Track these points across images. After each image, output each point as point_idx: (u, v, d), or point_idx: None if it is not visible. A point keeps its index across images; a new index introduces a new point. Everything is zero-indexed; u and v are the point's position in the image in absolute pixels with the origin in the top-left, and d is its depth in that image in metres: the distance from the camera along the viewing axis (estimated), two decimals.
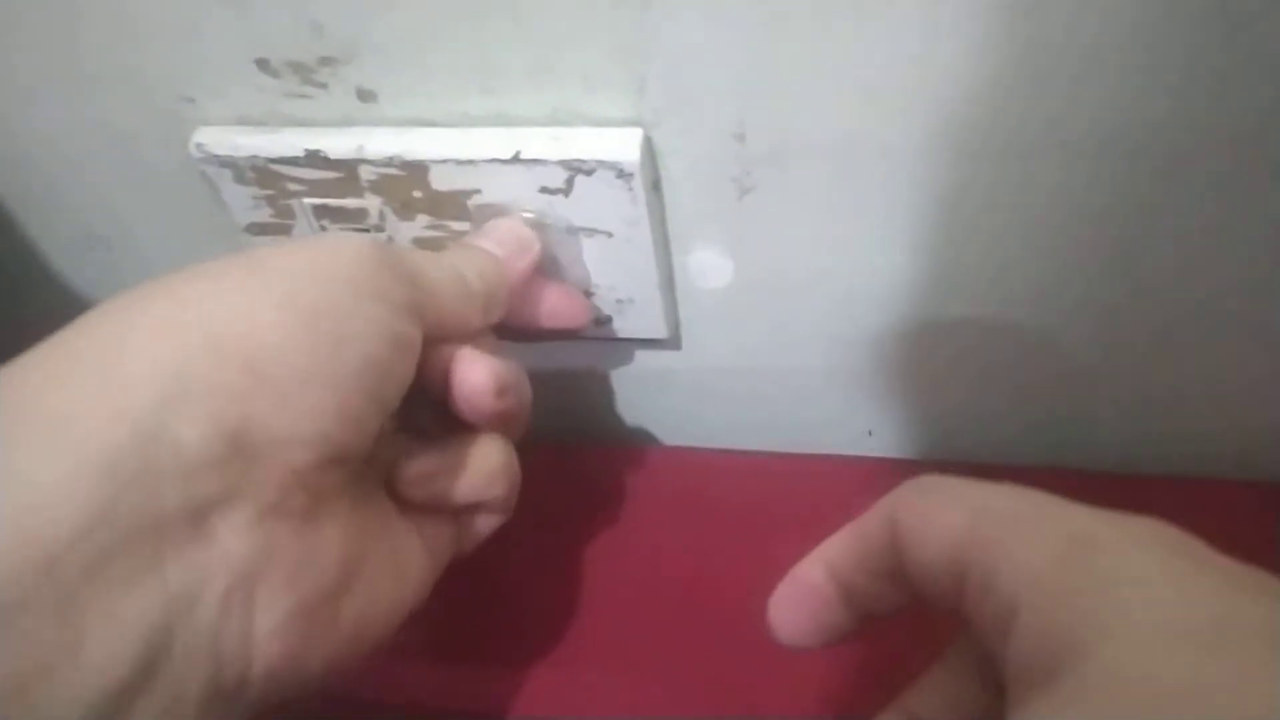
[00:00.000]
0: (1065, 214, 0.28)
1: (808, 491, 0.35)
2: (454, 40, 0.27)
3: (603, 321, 0.33)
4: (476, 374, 0.26)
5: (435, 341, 0.26)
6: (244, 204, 0.32)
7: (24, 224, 0.38)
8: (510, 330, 0.30)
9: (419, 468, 0.26)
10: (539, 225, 0.30)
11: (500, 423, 0.28)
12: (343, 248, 0.24)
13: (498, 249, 0.29)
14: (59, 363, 0.21)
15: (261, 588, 0.21)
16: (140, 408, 0.20)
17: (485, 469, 0.27)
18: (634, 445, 0.37)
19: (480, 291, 0.27)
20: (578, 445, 0.37)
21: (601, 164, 0.28)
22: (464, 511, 0.28)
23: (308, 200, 0.31)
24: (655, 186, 0.29)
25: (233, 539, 0.21)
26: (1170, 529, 0.17)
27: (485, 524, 0.28)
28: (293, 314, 0.22)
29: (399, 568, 0.25)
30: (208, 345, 0.21)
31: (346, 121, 0.30)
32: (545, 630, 0.33)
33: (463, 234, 0.31)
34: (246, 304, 0.22)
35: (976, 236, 0.29)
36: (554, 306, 0.31)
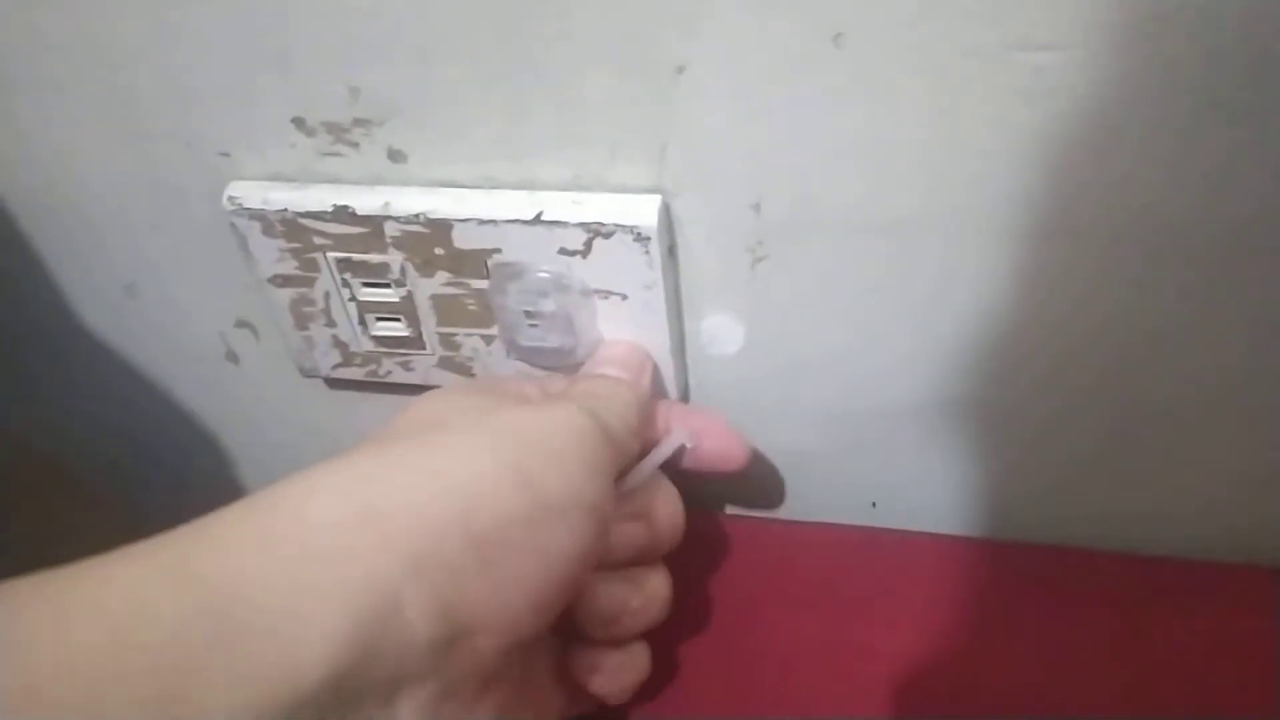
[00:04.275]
0: (1073, 295, 0.28)
1: (810, 559, 0.35)
2: (486, 108, 0.29)
3: None
4: (674, 505, 0.28)
5: None
6: (270, 256, 0.32)
7: (62, 275, 0.39)
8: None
9: (611, 598, 0.27)
10: (557, 285, 0.30)
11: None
12: (563, 419, 0.24)
13: (625, 374, 0.30)
14: (318, 511, 0.21)
15: None
16: (388, 579, 0.20)
17: (665, 595, 0.28)
18: None
19: (636, 430, 0.27)
20: None
21: (620, 227, 0.29)
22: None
23: (332, 254, 0.32)
24: (671, 251, 0.30)
25: (407, 716, 0.20)
26: None
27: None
28: (520, 485, 0.22)
29: None
30: (457, 517, 0.21)
31: (376, 180, 0.31)
32: None
33: (481, 292, 0.31)
34: (482, 467, 0.22)
35: (985, 314, 0.29)
36: (711, 449, 0.31)
